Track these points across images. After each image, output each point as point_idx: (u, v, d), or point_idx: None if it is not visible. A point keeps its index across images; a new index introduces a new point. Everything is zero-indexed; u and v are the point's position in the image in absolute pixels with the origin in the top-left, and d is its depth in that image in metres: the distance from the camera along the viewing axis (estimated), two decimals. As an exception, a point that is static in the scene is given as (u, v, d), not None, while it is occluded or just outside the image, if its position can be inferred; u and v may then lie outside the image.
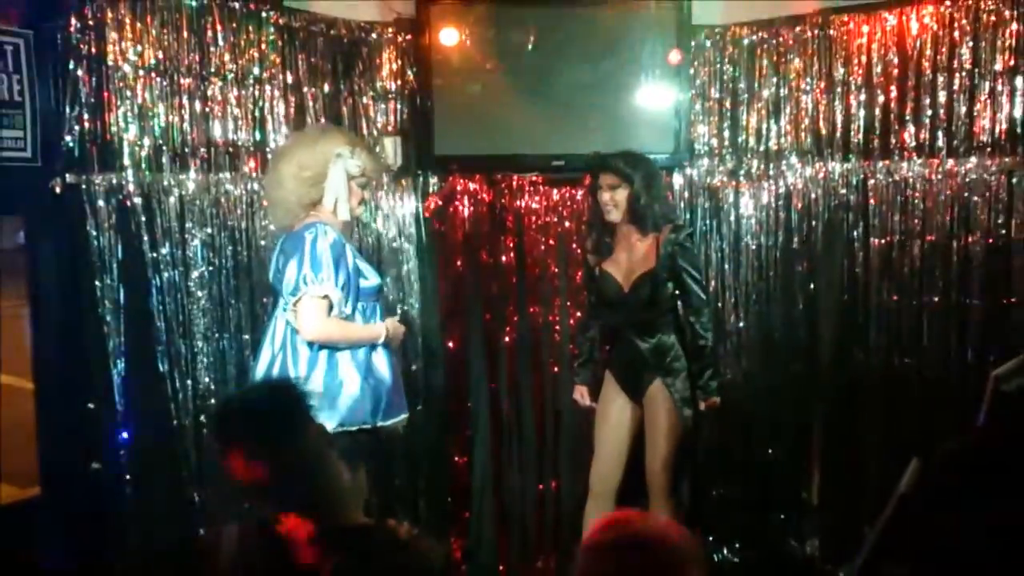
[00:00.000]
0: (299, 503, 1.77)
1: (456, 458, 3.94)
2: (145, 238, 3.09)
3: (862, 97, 3.60)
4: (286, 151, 2.99)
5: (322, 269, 2.77)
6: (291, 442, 1.82)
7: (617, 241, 3.30)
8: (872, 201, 3.62)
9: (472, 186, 3.82)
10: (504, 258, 3.86)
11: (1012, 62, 3.33)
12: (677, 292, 3.26)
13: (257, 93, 3.34)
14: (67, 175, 2.94)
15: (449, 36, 3.59)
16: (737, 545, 3.89)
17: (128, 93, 3.02)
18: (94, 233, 2.99)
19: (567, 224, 3.85)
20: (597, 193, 3.25)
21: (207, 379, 3.24)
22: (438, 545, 1.80)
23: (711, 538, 3.87)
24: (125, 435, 3.06)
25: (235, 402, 2.03)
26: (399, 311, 3.64)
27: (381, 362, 2.94)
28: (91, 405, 3.03)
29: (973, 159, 3.43)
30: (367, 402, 2.88)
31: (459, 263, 3.87)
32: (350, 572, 1.66)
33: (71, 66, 2.92)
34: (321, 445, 1.88)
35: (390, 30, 3.68)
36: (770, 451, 3.86)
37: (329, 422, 2.82)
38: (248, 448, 1.79)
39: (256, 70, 3.33)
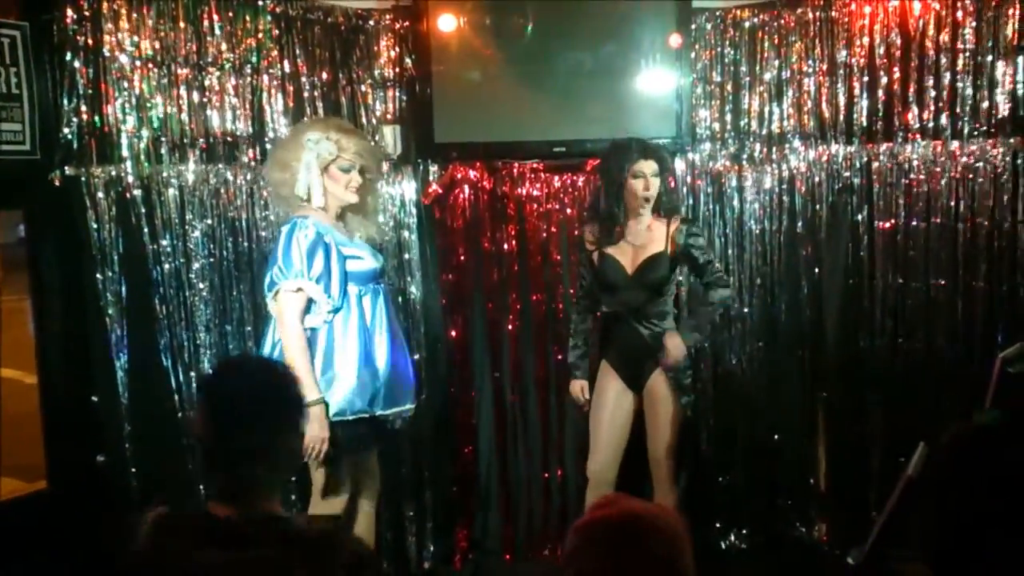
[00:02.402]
0: (233, 486, 1.75)
1: (461, 447, 3.94)
2: (145, 230, 3.09)
3: (865, 79, 3.58)
4: (275, 145, 3.04)
5: (293, 264, 2.75)
6: (271, 433, 1.78)
7: (623, 229, 3.26)
8: (876, 184, 3.61)
9: (472, 174, 3.80)
10: (506, 246, 3.84)
11: (1016, 42, 3.31)
12: (692, 275, 3.32)
13: (255, 82, 3.32)
14: (66, 168, 2.94)
15: (447, 22, 3.56)
16: (744, 531, 3.89)
17: (125, 84, 3.02)
18: (94, 226, 2.99)
19: (568, 211, 3.83)
20: (625, 180, 3.16)
21: (210, 370, 3.24)
22: (356, 539, 1.77)
23: (718, 524, 3.87)
24: (129, 427, 3.06)
25: (242, 372, 1.94)
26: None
27: (381, 352, 2.91)
28: (95, 398, 3.04)
29: (977, 140, 3.42)
30: (365, 391, 2.86)
31: (460, 251, 3.85)
32: (268, 562, 1.63)
33: (68, 58, 2.92)
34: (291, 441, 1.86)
35: (388, 17, 3.65)
36: (776, 436, 3.85)
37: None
38: (230, 419, 1.76)
39: (253, 59, 3.31)
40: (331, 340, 2.85)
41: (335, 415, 2.82)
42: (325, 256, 2.80)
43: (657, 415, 3.24)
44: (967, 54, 3.41)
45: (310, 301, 2.81)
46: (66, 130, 2.92)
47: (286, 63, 3.40)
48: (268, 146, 3.32)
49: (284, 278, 2.76)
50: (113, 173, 3.01)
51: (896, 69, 3.51)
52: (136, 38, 3.02)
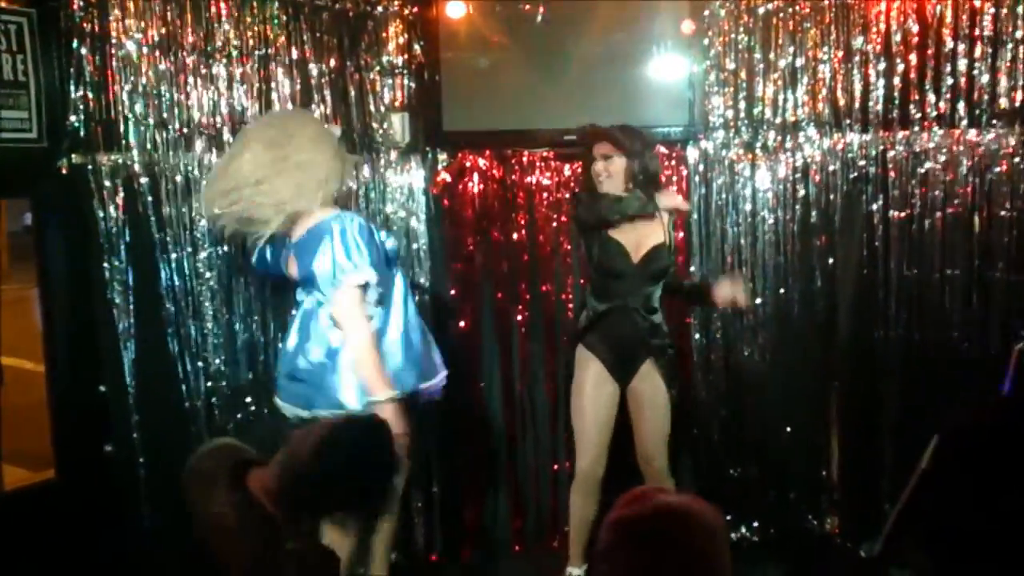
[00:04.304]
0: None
1: (469, 437, 3.92)
2: (152, 218, 3.08)
3: (881, 66, 3.53)
4: (303, 133, 2.86)
5: (358, 257, 2.73)
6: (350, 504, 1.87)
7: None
8: (891, 173, 3.57)
9: (482, 162, 3.77)
10: (515, 235, 3.82)
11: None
12: None
13: (262, 70, 3.30)
14: (73, 155, 2.93)
15: (456, 8, 3.55)
16: (756, 523, 3.86)
17: (132, 72, 3.00)
18: (101, 214, 2.98)
19: (579, 200, 3.80)
20: (590, 164, 3.21)
21: (217, 360, 3.23)
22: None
23: (729, 516, 3.83)
24: (137, 417, 3.06)
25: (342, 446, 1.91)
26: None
27: (414, 326, 2.95)
28: (102, 388, 3.03)
29: (994, 129, 3.39)
30: (412, 367, 2.89)
31: (469, 241, 3.83)
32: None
33: (75, 45, 2.90)
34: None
35: (396, 3, 3.62)
36: (788, 428, 3.82)
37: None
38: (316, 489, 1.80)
39: (261, 46, 3.29)
40: (383, 334, 2.84)
41: (418, 386, 2.87)
42: (376, 242, 2.81)
43: (649, 408, 3.22)
44: (985, 41, 3.37)
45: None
46: (73, 118, 2.91)
47: (294, 50, 3.38)
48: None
49: (354, 271, 2.72)
50: (120, 161, 2.99)
51: (912, 56, 3.48)
52: (143, 25, 3.00)
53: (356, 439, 1.89)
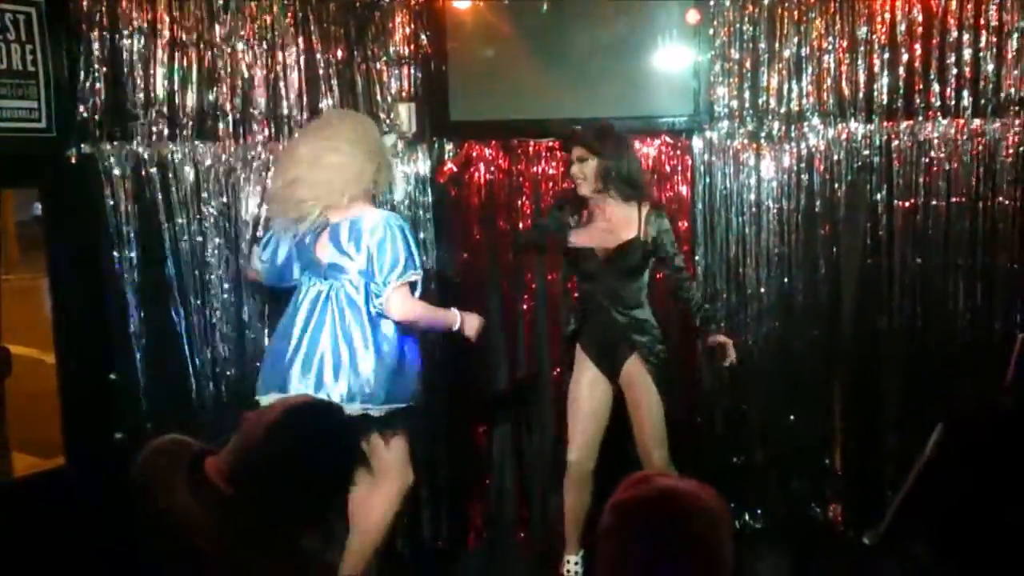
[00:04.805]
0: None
1: (475, 426, 3.94)
2: (161, 208, 3.10)
3: (886, 56, 3.53)
4: (355, 132, 2.89)
5: (415, 256, 2.80)
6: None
7: (589, 213, 3.24)
8: (896, 163, 3.57)
9: (488, 152, 3.78)
10: (521, 225, 3.83)
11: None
12: (656, 262, 3.27)
13: (270, 60, 3.31)
14: (82, 145, 2.94)
15: (463, -1, 3.55)
16: (758, 511, 3.88)
17: (141, 61, 3.01)
18: (110, 203, 2.99)
19: (585, 190, 3.80)
20: (569, 166, 3.22)
21: (226, 348, 3.25)
22: None
23: (732, 504, 3.85)
24: (146, 405, 3.08)
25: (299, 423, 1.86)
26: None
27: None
28: (112, 376, 3.05)
29: (999, 119, 3.38)
30: (416, 374, 2.92)
31: (475, 230, 3.84)
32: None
33: (83, 35, 2.91)
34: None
35: (403, -6, 3.63)
36: (792, 416, 3.83)
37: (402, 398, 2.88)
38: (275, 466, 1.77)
39: (269, 36, 3.30)
40: (386, 334, 2.84)
41: (410, 402, 2.87)
42: (417, 242, 2.89)
43: (641, 404, 3.23)
44: (989, 31, 3.37)
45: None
46: (82, 108, 2.92)
47: (301, 40, 3.38)
48: (294, 124, 3.31)
49: (413, 268, 2.79)
50: (129, 150, 3.01)
51: (917, 46, 3.47)
52: (151, 15, 3.01)
53: (310, 422, 1.85)
